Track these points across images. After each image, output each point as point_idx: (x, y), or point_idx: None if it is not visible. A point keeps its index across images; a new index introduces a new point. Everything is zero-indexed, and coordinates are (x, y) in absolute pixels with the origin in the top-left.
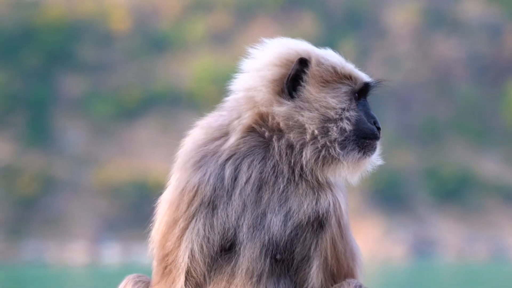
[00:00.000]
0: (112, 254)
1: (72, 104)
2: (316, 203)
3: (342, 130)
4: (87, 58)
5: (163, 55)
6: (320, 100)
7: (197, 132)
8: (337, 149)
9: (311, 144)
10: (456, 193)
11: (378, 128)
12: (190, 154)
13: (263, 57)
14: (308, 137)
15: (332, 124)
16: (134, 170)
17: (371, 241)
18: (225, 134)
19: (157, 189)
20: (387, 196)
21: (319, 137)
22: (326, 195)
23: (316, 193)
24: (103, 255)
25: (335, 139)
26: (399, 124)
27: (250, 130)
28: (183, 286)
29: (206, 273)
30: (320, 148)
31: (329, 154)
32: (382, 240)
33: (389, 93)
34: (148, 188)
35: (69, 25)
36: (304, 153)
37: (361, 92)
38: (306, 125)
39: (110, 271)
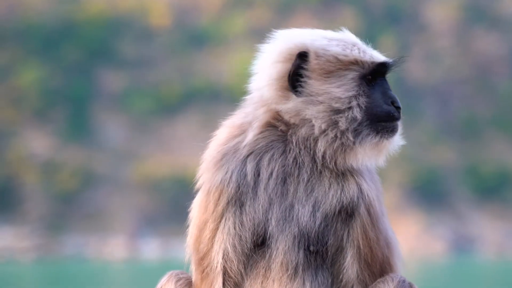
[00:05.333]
0: (151, 249)
1: (112, 99)
2: (341, 192)
3: (353, 119)
4: (127, 53)
5: (203, 50)
6: (324, 92)
7: (221, 132)
8: (351, 137)
9: (322, 138)
10: (495, 189)
11: (398, 108)
12: (212, 154)
13: (268, 54)
14: (316, 131)
15: (341, 115)
16: (173, 165)
17: (410, 238)
18: (244, 132)
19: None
20: (427, 192)
21: (328, 130)
22: (350, 184)
23: (341, 183)
24: (142, 250)
25: (346, 129)
26: (439, 121)
27: (268, 125)
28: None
29: (242, 271)
30: (331, 140)
31: (342, 144)
32: (422, 236)
33: (429, 89)
34: (187, 183)
35: (110, 21)
36: (318, 146)
37: (375, 74)
38: (313, 120)
39: (149, 266)
